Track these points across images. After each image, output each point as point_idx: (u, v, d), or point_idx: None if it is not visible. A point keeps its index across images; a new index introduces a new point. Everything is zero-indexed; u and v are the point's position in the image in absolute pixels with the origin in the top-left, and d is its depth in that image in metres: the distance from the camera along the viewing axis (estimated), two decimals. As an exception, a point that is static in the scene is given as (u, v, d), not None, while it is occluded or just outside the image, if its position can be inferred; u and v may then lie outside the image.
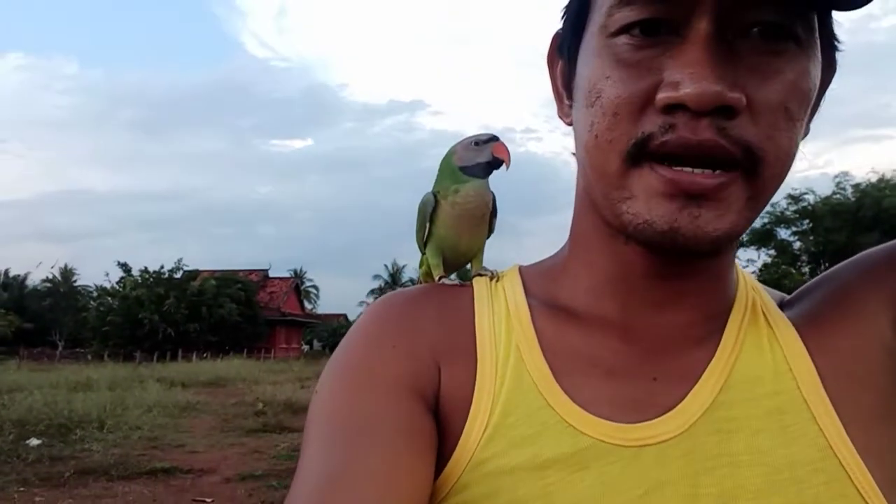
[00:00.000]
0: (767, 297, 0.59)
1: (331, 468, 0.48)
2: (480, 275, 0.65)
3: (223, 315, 34.05)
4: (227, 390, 15.34)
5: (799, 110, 0.47)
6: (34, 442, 7.77)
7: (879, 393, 0.51)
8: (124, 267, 35.01)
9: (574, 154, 0.58)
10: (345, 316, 56.62)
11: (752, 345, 0.54)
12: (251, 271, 44.75)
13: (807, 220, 28.60)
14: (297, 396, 12.60)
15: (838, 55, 0.53)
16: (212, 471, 6.80)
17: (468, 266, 0.72)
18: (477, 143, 0.67)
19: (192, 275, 35.69)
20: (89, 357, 30.13)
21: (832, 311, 0.55)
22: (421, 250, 0.73)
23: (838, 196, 27.89)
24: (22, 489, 5.91)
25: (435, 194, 0.69)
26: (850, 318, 0.53)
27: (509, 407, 0.53)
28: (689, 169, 0.46)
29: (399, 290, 0.64)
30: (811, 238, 28.66)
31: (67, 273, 54.14)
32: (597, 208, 0.54)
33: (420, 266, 0.76)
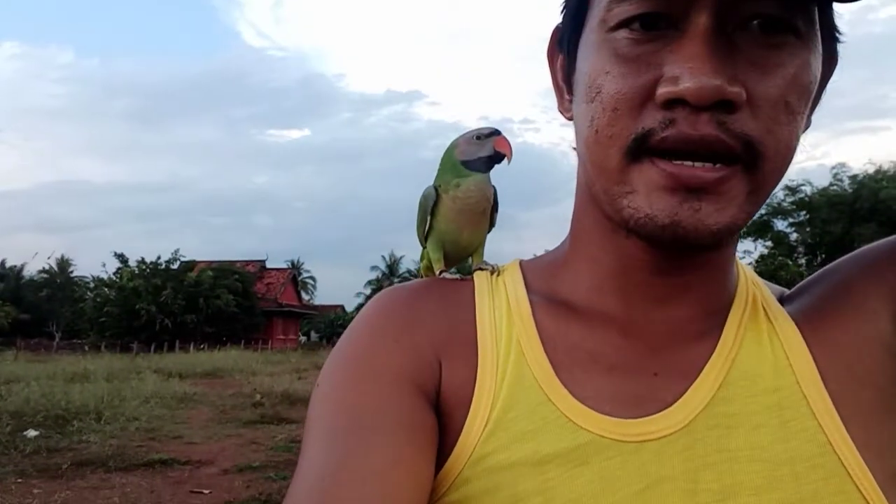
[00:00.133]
0: (768, 291, 0.59)
1: (332, 462, 0.48)
2: (481, 269, 0.65)
3: (220, 306, 34.03)
4: (225, 381, 15.35)
5: (799, 104, 0.47)
6: (31, 433, 7.77)
7: (879, 389, 0.51)
8: (121, 258, 34.97)
9: (574, 149, 0.58)
10: (342, 307, 56.69)
11: (752, 340, 0.54)
12: (248, 262, 44.67)
13: (804, 212, 28.60)
14: (295, 388, 12.62)
15: (839, 47, 0.53)
16: (209, 462, 6.82)
17: (469, 260, 0.72)
18: (479, 138, 0.67)
19: (189, 265, 35.64)
20: (86, 348, 30.09)
21: (832, 306, 0.55)
22: (422, 244, 0.73)
23: (835, 187, 27.90)
24: (20, 480, 5.91)
25: (436, 188, 0.69)
26: (851, 314, 0.53)
27: (510, 402, 0.53)
28: (690, 163, 0.46)
29: (400, 284, 0.64)
30: (808, 229, 28.68)
31: (64, 264, 54.01)
32: (598, 203, 0.54)
33: (421, 260, 0.76)
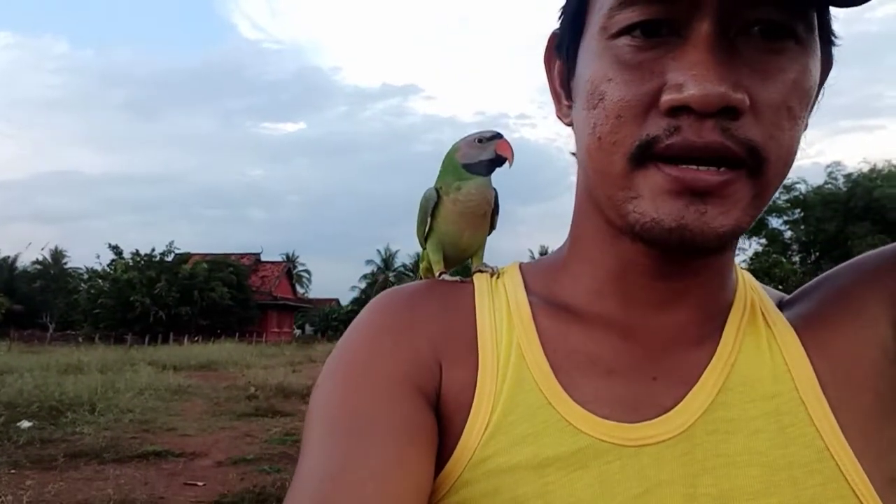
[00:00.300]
0: (766, 296, 0.59)
1: (332, 464, 0.48)
2: (481, 271, 0.65)
3: (215, 298, 33.91)
4: (219, 374, 15.33)
5: (800, 108, 0.47)
6: (25, 424, 7.75)
7: (878, 395, 0.51)
8: (115, 249, 34.76)
9: (573, 154, 0.58)
10: (337, 301, 56.60)
11: (751, 345, 0.54)
12: (243, 255, 44.54)
13: (798, 210, 28.67)
14: (289, 381, 12.62)
15: (834, 48, 0.53)
16: (203, 454, 6.81)
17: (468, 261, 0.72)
18: (480, 141, 0.67)
19: (184, 258, 35.51)
20: (80, 339, 29.95)
21: (832, 312, 0.55)
22: (421, 245, 0.73)
23: (830, 186, 27.97)
24: (13, 471, 5.90)
25: (437, 190, 0.69)
26: (850, 320, 0.53)
27: (510, 405, 0.53)
28: (694, 166, 0.46)
29: (399, 286, 0.64)
30: (802, 227, 28.76)
31: (58, 255, 53.76)
32: (600, 209, 0.54)
33: (420, 261, 0.76)
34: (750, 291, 0.59)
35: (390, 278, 51.74)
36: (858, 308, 0.54)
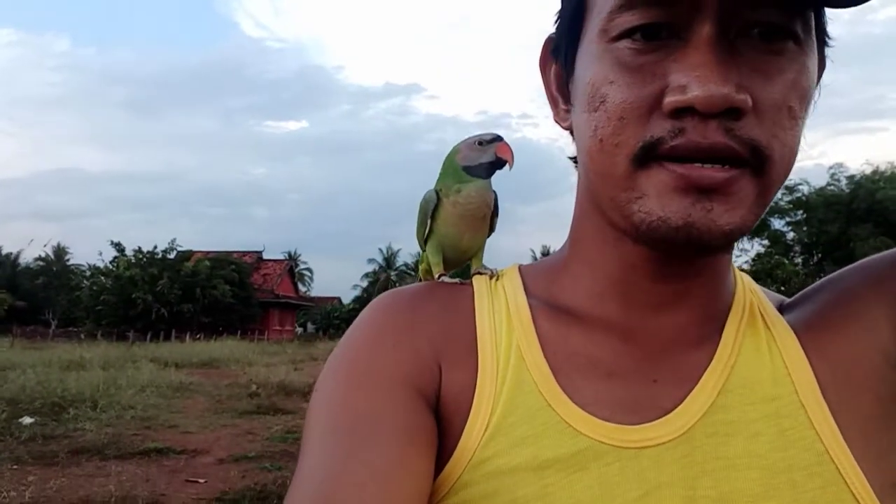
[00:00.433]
0: (766, 299, 0.59)
1: (332, 465, 0.48)
2: (480, 273, 0.65)
3: (217, 296, 33.96)
4: (221, 371, 15.36)
5: (800, 108, 0.48)
6: (27, 420, 7.78)
7: (878, 398, 0.51)
8: (118, 246, 34.82)
9: (572, 158, 0.58)
10: (339, 299, 56.67)
11: (750, 348, 0.54)
12: (245, 253, 44.58)
13: (800, 211, 28.67)
14: (291, 378, 12.64)
15: (833, 49, 0.53)
16: (205, 452, 6.83)
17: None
18: (480, 143, 0.67)
19: (186, 255, 35.53)
20: (82, 336, 30.03)
21: (833, 315, 0.55)
22: (421, 247, 0.73)
23: (832, 187, 27.97)
24: (15, 467, 5.93)
25: (437, 192, 0.69)
26: (851, 324, 0.53)
27: (510, 407, 0.53)
28: (699, 164, 0.46)
29: (400, 287, 0.64)
30: (804, 229, 28.76)
31: (60, 252, 53.88)
32: (601, 211, 0.54)
33: (420, 263, 0.76)
34: (749, 293, 0.59)
35: (392, 277, 51.79)
36: (859, 311, 0.54)
